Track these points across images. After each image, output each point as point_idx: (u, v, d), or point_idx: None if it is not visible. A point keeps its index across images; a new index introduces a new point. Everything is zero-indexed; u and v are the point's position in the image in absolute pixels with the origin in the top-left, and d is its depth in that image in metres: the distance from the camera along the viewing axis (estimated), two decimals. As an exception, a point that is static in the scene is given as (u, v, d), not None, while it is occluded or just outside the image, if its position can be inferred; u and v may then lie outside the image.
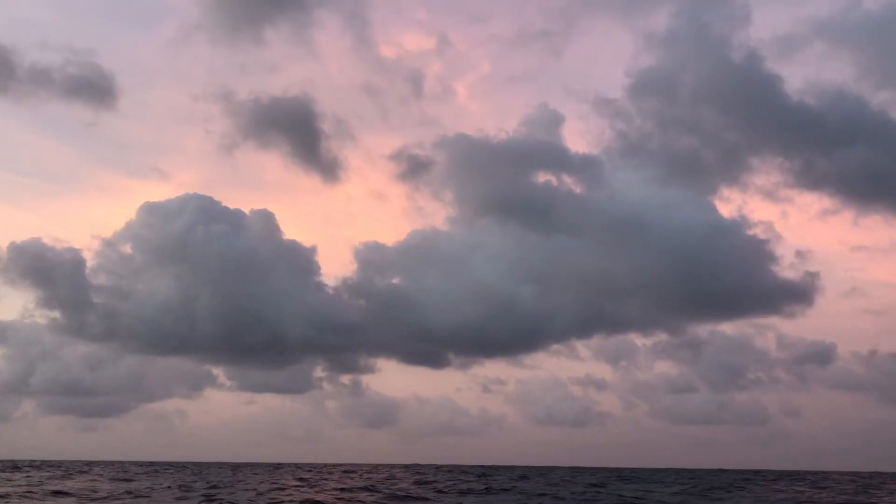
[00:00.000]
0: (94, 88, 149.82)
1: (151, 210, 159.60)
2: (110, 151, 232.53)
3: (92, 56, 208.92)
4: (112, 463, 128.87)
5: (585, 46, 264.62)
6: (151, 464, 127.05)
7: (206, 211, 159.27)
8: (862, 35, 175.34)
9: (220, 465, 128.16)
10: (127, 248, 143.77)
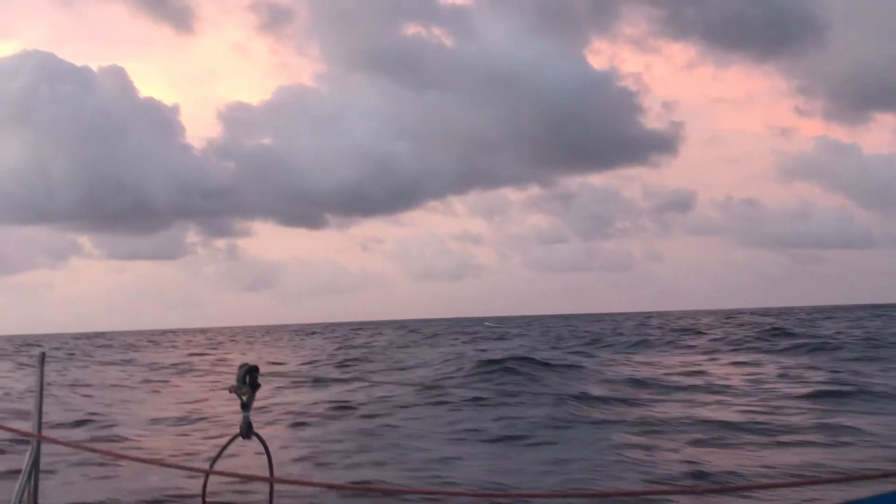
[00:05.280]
0: None
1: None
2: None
3: None
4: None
5: None
6: (22, 337, 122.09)
7: (48, 69, 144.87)
8: None
9: (97, 335, 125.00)
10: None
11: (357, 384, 15.69)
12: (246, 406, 3.38)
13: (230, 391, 3.35)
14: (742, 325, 48.06)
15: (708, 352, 25.54)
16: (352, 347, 37.34)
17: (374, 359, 26.97)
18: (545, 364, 18.24)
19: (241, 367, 3.38)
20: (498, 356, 20.48)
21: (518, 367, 17.63)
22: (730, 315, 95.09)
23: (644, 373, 17.60)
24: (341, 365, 24.79)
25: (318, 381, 17.83)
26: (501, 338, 42.47)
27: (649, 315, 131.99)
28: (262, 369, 3.49)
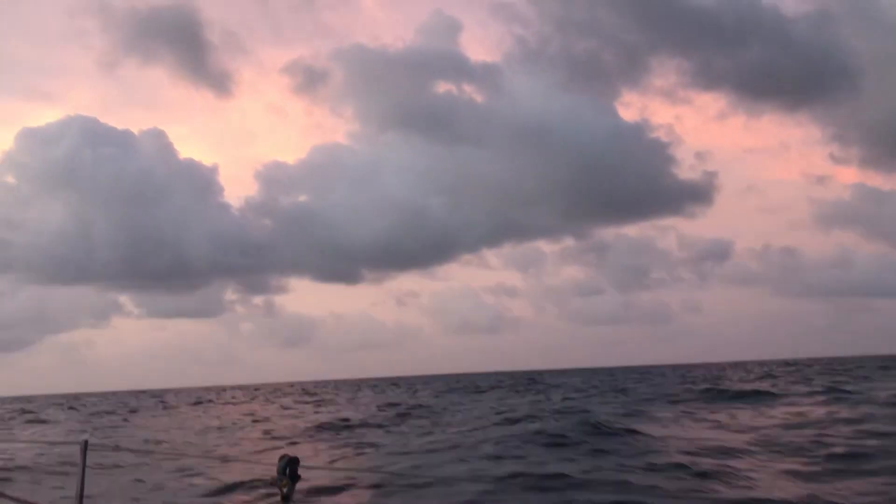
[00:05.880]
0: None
1: (31, 136, 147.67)
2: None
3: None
4: (19, 398, 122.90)
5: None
6: (62, 396, 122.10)
7: (91, 133, 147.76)
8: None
9: (143, 393, 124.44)
10: (9, 178, 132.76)
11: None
12: (287, 498, 3.35)
13: (271, 483, 3.23)
14: (824, 374, 46.14)
15: (812, 404, 23.84)
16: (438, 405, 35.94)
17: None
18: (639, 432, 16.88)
19: (280, 458, 3.34)
20: (602, 418, 19.15)
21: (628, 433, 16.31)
22: (781, 365, 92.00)
23: (775, 428, 16.07)
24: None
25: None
26: (566, 390, 40.99)
27: (692, 366, 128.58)
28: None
